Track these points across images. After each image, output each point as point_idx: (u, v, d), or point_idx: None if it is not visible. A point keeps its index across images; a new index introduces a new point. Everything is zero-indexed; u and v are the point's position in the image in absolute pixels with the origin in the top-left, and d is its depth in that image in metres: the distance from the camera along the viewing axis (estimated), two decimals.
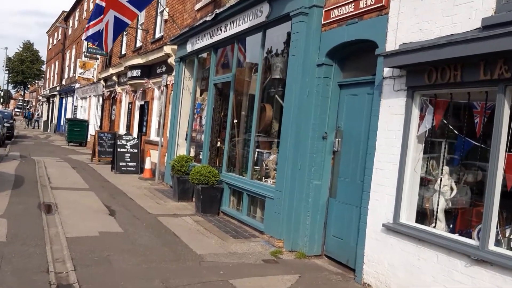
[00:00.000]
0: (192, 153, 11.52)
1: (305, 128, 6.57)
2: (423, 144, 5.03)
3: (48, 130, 39.64)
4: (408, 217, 5.00)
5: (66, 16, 37.98)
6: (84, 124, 25.70)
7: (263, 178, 8.10)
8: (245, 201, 8.06)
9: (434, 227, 4.77)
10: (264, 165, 8.58)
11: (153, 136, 15.30)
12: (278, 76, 7.67)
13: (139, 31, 17.26)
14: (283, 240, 6.71)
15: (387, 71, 5.28)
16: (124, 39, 19.88)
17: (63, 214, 7.94)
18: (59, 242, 6.26)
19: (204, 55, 11.08)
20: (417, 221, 4.99)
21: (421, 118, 4.99)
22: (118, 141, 14.92)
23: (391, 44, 5.25)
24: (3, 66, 71.12)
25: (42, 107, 53.82)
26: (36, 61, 74.39)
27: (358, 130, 6.05)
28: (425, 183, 5.10)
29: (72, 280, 4.91)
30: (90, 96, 26.22)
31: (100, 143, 17.11)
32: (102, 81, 22.50)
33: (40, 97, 58.68)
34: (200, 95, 11.77)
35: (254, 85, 8.29)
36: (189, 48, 11.36)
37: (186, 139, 12.24)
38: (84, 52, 24.66)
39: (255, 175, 8.15)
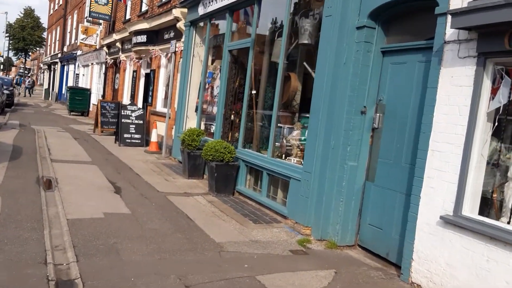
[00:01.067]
0: (203, 127, 10.69)
1: (340, 101, 5.72)
2: (494, 123, 4.20)
3: (50, 99, 38.73)
4: (472, 209, 4.21)
5: None
6: (86, 92, 24.79)
7: (283, 156, 7.31)
8: (265, 181, 7.28)
9: (509, 222, 3.98)
10: (284, 141, 7.79)
11: (159, 107, 14.45)
12: (306, 41, 6.78)
13: None
14: (311, 227, 5.95)
15: (450, 34, 4.39)
16: (129, 2, 18.80)
17: (64, 191, 7.18)
18: (59, 225, 5.51)
19: (218, 18, 10.10)
20: (481, 214, 4.20)
21: (494, 91, 4.14)
22: (122, 111, 14.07)
23: (457, 1, 4.35)
24: (3, 32, 69.77)
25: (43, 75, 52.74)
26: (38, 27, 73.16)
27: (405, 104, 5.21)
28: (493, 169, 4.29)
29: (74, 274, 4.16)
30: (92, 63, 25.22)
31: (103, 113, 16.28)
32: (105, 48, 21.50)
33: (42, 65, 57.58)
34: (212, 64, 10.87)
35: (278, 52, 7.40)
36: (201, 10, 10.39)
37: (196, 111, 11.39)
38: (86, 17, 23.54)
39: (276, 153, 7.34)
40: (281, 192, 7.08)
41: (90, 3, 20.08)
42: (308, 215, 5.93)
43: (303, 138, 7.08)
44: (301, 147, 7.37)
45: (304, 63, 6.83)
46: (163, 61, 14.15)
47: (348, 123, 5.69)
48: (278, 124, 7.90)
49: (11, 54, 75.78)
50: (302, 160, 6.90)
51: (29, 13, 74.14)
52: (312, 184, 5.89)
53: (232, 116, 9.35)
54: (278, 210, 6.73)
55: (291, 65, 7.28)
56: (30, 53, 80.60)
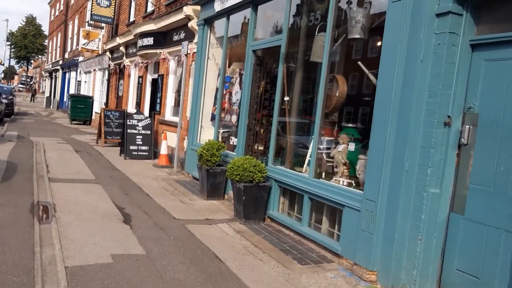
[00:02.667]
0: (220, 138, 9.41)
1: (416, 110, 4.43)
2: None
3: (51, 107, 37.56)
4: None
5: None
6: (88, 100, 23.58)
7: (322, 174, 6.05)
8: (306, 207, 5.98)
9: None
10: (324, 157, 6.53)
11: (168, 115, 13.18)
12: (358, 36, 5.51)
13: None
14: (377, 271, 4.65)
15: None
16: (133, 3, 17.59)
17: (63, 223, 5.90)
18: (55, 277, 4.21)
19: (239, 14, 8.84)
20: None
21: None
22: (128, 121, 12.83)
23: None
24: (5, 40, 69.26)
25: (45, 82, 51.68)
26: (39, 35, 72.73)
27: (509, 113, 3.92)
28: None
29: None
30: (94, 70, 24.01)
31: (107, 123, 15.06)
32: (107, 53, 20.29)
33: (43, 72, 56.63)
34: (229, 67, 9.61)
35: (319, 50, 6.13)
36: (217, 6, 9.14)
37: (212, 120, 10.13)
38: (88, 21, 22.39)
39: (319, 172, 6.05)
40: (328, 221, 5.79)
41: (92, 6, 18.90)
42: (373, 256, 4.63)
43: (363, 155, 5.81)
44: (347, 165, 6.10)
45: (359, 63, 5.53)
46: (172, 65, 12.90)
47: (427, 138, 4.38)
48: (313, 136, 6.66)
49: (13, 62, 75.30)
50: (352, 181, 5.64)
51: (30, 21, 73.65)
52: (378, 216, 4.60)
53: (257, 126, 8.08)
54: (326, 245, 5.43)
55: (336, 66, 6.00)
56: (32, 61, 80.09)
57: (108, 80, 20.85)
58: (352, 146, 6.49)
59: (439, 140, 4.36)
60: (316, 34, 6.25)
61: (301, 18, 6.85)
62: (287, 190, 6.66)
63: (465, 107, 4.35)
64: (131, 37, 15.53)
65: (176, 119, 12.33)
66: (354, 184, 5.64)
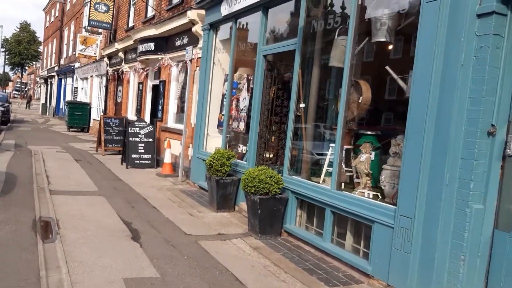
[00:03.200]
0: (227, 146, 9.04)
1: (456, 119, 4.07)
2: None
3: (47, 114, 37.08)
4: None
5: None
6: (86, 107, 23.15)
7: (342, 184, 5.70)
8: (328, 221, 5.60)
9: None
10: (343, 166, 6.18)
11: (171, 122, 12.79)
12: (383, 39, 5.17)
13: None
14: None
15: None
16: (132, 9, 17.22)
17: (68, 241, 5.50)
18: None
19: (247, 18, 8.49)
20: None
21: None
22: (129, 128, 12.43)
23: None
24: None
25: (40, 89, 51.18)
26: (34, 42, 72.24)
27: None
28: None
29: None
30: (92, 76, 23.59)
31: (107, 130, 14.68)
32: (105, 59, 19.89)
33: (38, 79, 56.12)
34: (235, 72, 9.25)
35: (339, 54, 5.78)
36: (224, 10, 8.79)
37: (218, 127, 9.76)
38: (85, 26, 21.98)
39: (343, 184, 5.69)
40: (353, 237, 5.42)
41: (90, 11, 18.51)
42: (409, 277, 4.26)
43: (388, 166, 5.46)
44: (370, 175, 5.75)
45: (387, 67, 5.17)
46: (174, 70, 12.52)
47: (469, 149, 4.03)
48: (331, 144, 6.32)
49: (7, 69, 74.86)
50: (378, 193, 5.28)
51: (25, 27, 73.15)
52: (415, 234, 4.23)
53: (269, 134, 7.72)
54: (354, 264, 5.05)
55: (358, 70, 5.65)
56: (26, 68, 79.57)
57: (106, 87, 20.45)
58: (372, 155, 6.17)
59: (482, 151, 4.01)
60: (335, 37, 5.90)
61: (318, 21, 6.50)
62: (305, 202, 6.29)
63: (511, 115, 4.00)
64: (131, 42, 15.14)
65: (179, 126, 11.96)
66: (380, 197, 5.28)
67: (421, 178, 4.22)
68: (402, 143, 5.93)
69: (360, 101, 5.49)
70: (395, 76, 5.02)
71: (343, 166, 6.25)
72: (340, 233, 5.57)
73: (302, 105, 6.57)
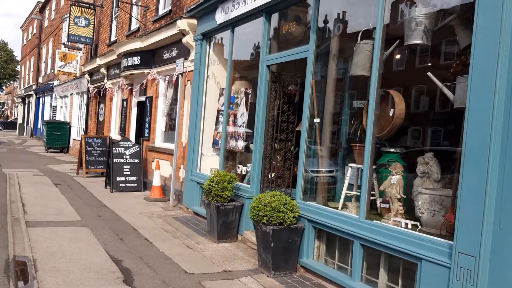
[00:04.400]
0: (219, 166, 8.17)
1: None
2: None
3: (24, 134, 35.69)
4: None
5: (42, 7, 34.12)
6: (65, 126, 22.05)
7: (362, 210, 4.88)
8: (358, 256, 4.75)
9: None
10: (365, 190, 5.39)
11: (158, 141, 11.87)
12: (419, 41, 4.44)
13: (135, 9, 13.77)
14: None
15: None
16: (114, 22, 16.37)
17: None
18: None
19: (246, 26, 7.71)
20: None
21: None
22: (114, 148, 11.48)
23: None
24: None
25: (18, 108, 49.68)
26: (11, 61, 70.54)
27: None
28: None
29: None
30: (71, 94, 22.52)
31: (88, 151, 13.69)
32: (86, 75, 18.91)
33: (15, 98, 54.62)
34: (231, 85, 8.45)
35: (363, 60, 5.01)
36: (220, 18, 8.01)
37: (214, 146, 8.90)
38: (64, 42, 21.01)
39: (373, 212, 4.89)
40: (389, 274, 4.58)
41: (69, 26, 17.56)
42: None
43: (426, 189, 4.66)
44: (402, 201, 4.96)
45: (429, 74, 4.40)
46: (162, 85, 11.66)
47: None
48: (350, 164, 5.56)
49: None
50: (417, 223, 4.48)
51: (2, 46, 71.50)
52: (481, 276, 3.42)
53: (275, 153, 6.90)
54: None
55: (387, 80, 4.88)
56: (3, 87, 77.73)
57: (87, 104, 19.43)
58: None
59: None
60: (358, 42, 5.14)
61: (335, 24, 5.74)
62: (323, 232, 5.46)
63: None
64: (114, 57, 14.26)
65: (168, 145, 11.07)
66: (419, 226, 4.48)
67: (487, 208, 3.43)
68: (431, 161, 5.22)
69: (391, 114, 4.71)
70: (439, 84, 4.27)
71: (364, 189, 5.48)
72: (371, 269, 4.74)
73: (316, 120, 5.77)
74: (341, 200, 5.66)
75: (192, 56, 9.42)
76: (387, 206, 5.24)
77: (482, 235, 3.44)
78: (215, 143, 8.86)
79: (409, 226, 4.48)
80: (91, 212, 8.54)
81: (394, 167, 4.99)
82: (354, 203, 5.28)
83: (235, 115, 8.30)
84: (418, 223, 4.52)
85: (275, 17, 6.84)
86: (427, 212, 4.64)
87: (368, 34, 4.99)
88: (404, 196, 4.94)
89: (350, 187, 5.73)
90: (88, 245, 6.30)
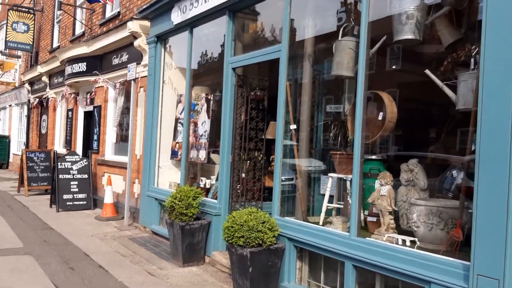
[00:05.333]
0: (183, 179, 7.45)
1: None
2: None
3: None
4: None
5: None
6: (3, 140, 20.43)
7: (353, 226, 4.40)
8: (350, 279, 4.20)
9: None
10: (347, 201, 4.93)
11: (109, 154, 10.94)
12: (411, 36, 3.98)
13: (79, 12, 12.79)
14: None
15: None
16: (56, 26, 15.24)
17: None
18: None
19: (206, 26, 7.08)
20: None
21: None
22: (59, 163, 10.46)
23: None
24: None
25: None
26: None
27: None
28: None
29: None
30: (10, 105, 20.92)
31: (30, 167, 12.57)
32: (26, 85, 17.53)
33: None
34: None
35: (347, 59, 4.51)
36: (176, 18, 7.34)
37: (172, 158, 8.18)
38: (2, 50, 19.47)
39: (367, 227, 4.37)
40: None
41: (6, 32, 16.23)
42: None
43: (421, 200, 4.19)
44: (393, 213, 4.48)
45: (428, 71, 3.94)
46: (112, 93, 10.76)
47: None
48: (330, 174, 5.08)
49: None
50: (415, 238, 4.00)
51: None
52: None
53: (244, 164, 6.29)
54: None
55: (373, 79, 4.39)
56: None
57: (28, 116, 18.02)
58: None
59: None
60: (339, 38, 4.63)
61: (310, 21, 5.23)
62: (305, 251, 4.90)
63: None
64: (57, 64, 13.18)
65: (120, 158, 10.20)
66: (417, 243, 4.00)
67: (511, 220, 2.98)
68: (416, 168, 4.81)
69: (382, 119, 4.22)
70: (439, 83, 3.81)
71: (350, 201, 4.99)
72: None
73: (293, 126, 5.21)
74: (322, 214, 5.14)
75: (145, 60, 8.66)
76: (374, 219, 4.76)
77: (506, 253, 2.98)
78: (174, 154, 8.13)
79: (407, 243, 3.99)
80: (36, 236, 7.56)
81: (383, 176, 4.50)
82: (339, 218, 4.76)
83: (195, 124, 7.63)
84: (416, 239, 4.05)
85: (240, 15, 6.25)
86: (424, 226, 4.17)
87: (351, 29, 4.51)
88: (396, 209, 4.47)
89: (330, 199, 5.24)
90: (33, 277, 5.42)
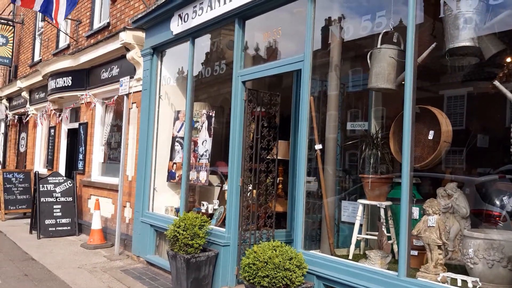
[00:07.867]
0: (183, 203, 6.73)
1: None
2: None
3: None
4: None
5: None
6: None
7: (402, 264, 3.80)
8: None
9: None
10: (385, 232, 4.37)
11: (96, 175, 10.14)
12: (468, 43, 3.43)
13: (64, 23, 12.05)
14: None
15: None
16: (38, 39, 14.45)
17: None
18: None
19: (210, 35, 6.48)
20: None
21: None
22: (41, 185, 9.61)
23: None
24: None
25: None
26: None
27: None
28: None
29: None
30: None
31: (7, 188, 11.72)
32: (4, 101, 16.58)
33: None
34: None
35: (388, 70, 3.93)
36: (176, 27, 6.72)
37: (168, 179, 7.46)
38: None
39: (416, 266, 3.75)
40: None
41: None
42: None
43: (474, 231, 3.60)
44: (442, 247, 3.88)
45: (496, 82, 3.37)
46: (100, 110, 10.02)
47: None
48: (361, 201, 4.48)
49: None
50: (475, 279, 3.40)
51: None
52: None
53: (254, 187, 5.64)
54: None
55: (422, 93, 3.83)
56: None
57: (6, 134, 17.02)
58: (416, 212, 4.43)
59: None
60: (377, 46, 4.05)
61: (337, 27, 4.65)
62: None
63: None
64: (39, 78, 12.38)
65: (108, 179, 9.43)
66: (479, 284, 3.40)
67: None
68: (456, 194, 4.25)
69: (436, 138, 3.64)
70: (510, 95, 3.25)
71: (385, 232, 4.41)
72: None
73: (318, 146, 4.60)
74: (352, 247, 4.53)
75: (139, 74, 7.98)
76: (415, 253, 4.17)
77: None
78: (171, 176, 7.42)
79: (470, 285, 3.38)
80: (15, 269, 6.72)
81: (430, 204, 3.90)
82: (377, 253, 4.13)
83: (195, 143, 6.96)
84: (478, 279, 3.44)
85: (250, 23, 5.66)
86: (483, 263, 3.58)
87: (390, 36, 3.95)
88: (448, 243, 3.86)
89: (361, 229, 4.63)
90: None
